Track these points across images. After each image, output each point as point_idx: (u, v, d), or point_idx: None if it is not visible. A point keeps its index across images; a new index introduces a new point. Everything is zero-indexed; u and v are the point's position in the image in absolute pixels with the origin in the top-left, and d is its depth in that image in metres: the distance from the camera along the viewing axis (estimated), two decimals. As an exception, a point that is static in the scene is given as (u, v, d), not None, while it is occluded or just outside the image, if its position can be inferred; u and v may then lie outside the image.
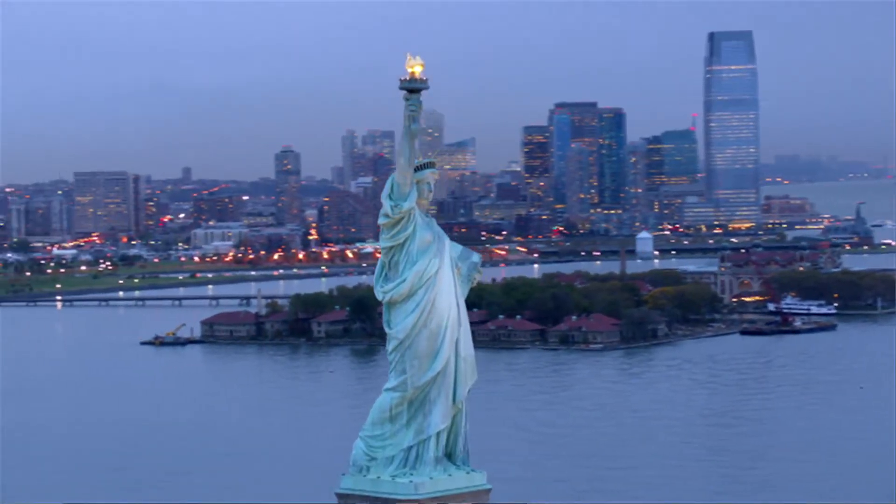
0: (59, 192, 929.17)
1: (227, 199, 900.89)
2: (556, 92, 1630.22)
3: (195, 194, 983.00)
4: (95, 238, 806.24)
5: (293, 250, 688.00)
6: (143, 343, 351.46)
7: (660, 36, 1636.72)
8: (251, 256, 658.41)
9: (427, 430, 34.58)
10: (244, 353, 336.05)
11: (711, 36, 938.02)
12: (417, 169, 34.67)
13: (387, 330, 34.61)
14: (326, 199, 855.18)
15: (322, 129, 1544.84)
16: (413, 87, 34.14)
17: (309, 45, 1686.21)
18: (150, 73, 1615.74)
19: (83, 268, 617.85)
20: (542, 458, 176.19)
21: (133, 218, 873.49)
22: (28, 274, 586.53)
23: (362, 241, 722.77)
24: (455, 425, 35.16)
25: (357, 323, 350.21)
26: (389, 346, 34.56)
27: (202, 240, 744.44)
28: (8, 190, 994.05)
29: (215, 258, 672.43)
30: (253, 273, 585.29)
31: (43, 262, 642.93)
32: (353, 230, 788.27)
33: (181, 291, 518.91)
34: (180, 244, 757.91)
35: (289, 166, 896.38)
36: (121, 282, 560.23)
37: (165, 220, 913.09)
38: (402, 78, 34.08)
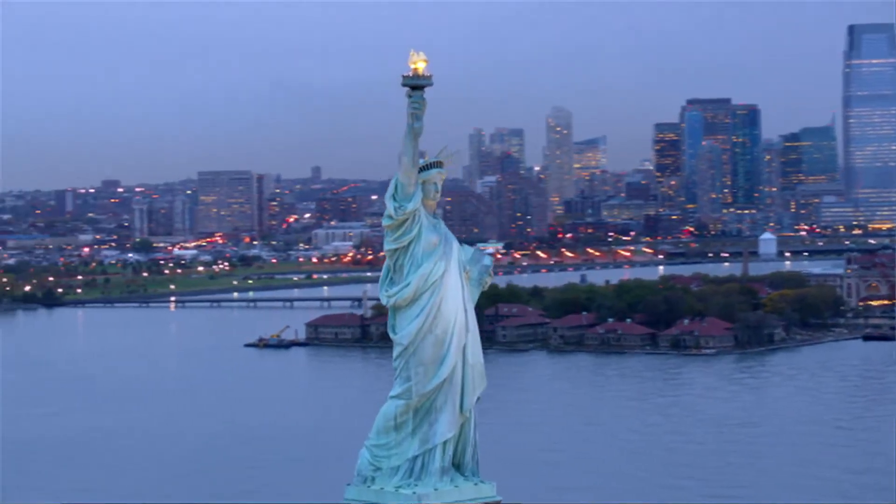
0: (189, 192, 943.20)
1: (350, 199, 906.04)
2: (689, 88, 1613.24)
3: (323, 194, 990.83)
4: (218, 238, 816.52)
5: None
6: (247, 345, 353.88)
7: (796, 29, 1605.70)
8: (370, 257, 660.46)
9: (432, 440, 33.63)
10: (347, 356, 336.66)
11: (851, 29, 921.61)
12: (424, 169, 33.84)
13: (391, 336, 33.81)
14: (448, 198, 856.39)
15: (449, 128, 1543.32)
16: (416, 84, 33.28)
17: (436, 43, 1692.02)
18: (285, 72, 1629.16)
19: (200, 268, 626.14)
20: (621, 465, 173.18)
21: (256, 218, 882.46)
22: (145, 274, 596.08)
23: (484, 241, 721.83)
24: (463, 434, 34.13)
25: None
26: (394, 353, 33.80)
27: (323, 240, 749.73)
28: (138, 190, 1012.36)
29: (334, 259, 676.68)
30: (368, 274, 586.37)
31: (162, 262, 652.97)
32: (475, 230, 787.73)
33: (295, 293, 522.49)
34: (301, 244, 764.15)
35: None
36: (235, 283, 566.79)
37: (290, 220, 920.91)
38: (405, 74, 33.26)
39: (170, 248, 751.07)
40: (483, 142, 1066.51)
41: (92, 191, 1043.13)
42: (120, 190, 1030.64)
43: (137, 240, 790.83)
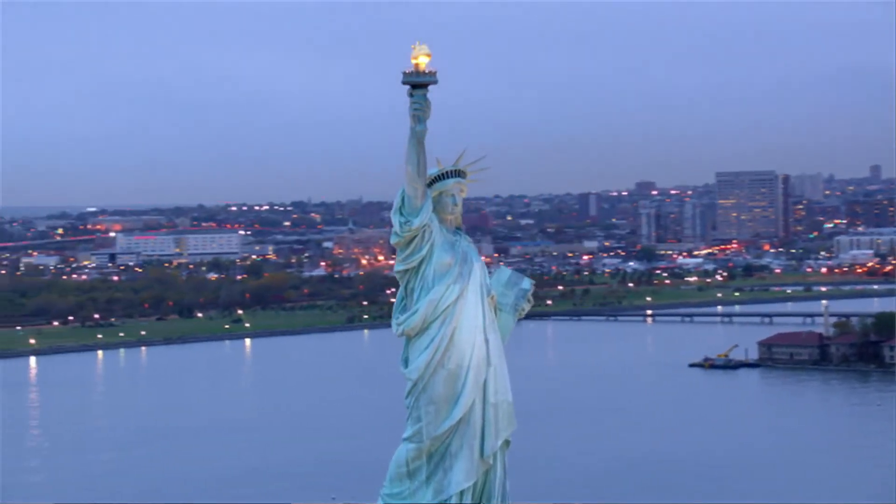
0: (709, 195, 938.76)
1: (886, 202, 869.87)
2: None
3: (880, 196, 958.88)
4: (735, 245, 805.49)
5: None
6: (691, 365, 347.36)
7: None
8: (889, 268, 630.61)
9: (447, 490, 31.90)
10: (801, 379, 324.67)
11: None
12: (439, 178, 32.01)
13: (401, 370, 32.42)
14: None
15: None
16: (417, 82, 31.20)
17: None
18: (854, 55, 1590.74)
19: (692, 279, 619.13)
20: None
21: (781, 223, 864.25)
22: (631, 285, 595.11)
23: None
24: (487, 483, 32.24)
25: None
26: (406, 389, 32.34)
27: (845, 248, 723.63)
28: (672, 192, 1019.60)
29: (846, 269, 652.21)
30: (875, 287, 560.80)
31: (658, 271, 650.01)
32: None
33: (789, 307, 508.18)
34: (822, 253, 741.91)
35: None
36: (719, 295, 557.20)
37: (830, 224, 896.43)
38: (405, 71, 31.27)
39: (675, 255, 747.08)
40: None
41: (625, 193, 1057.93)
42: (654, 192, 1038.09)
43: (639, 247, 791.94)
